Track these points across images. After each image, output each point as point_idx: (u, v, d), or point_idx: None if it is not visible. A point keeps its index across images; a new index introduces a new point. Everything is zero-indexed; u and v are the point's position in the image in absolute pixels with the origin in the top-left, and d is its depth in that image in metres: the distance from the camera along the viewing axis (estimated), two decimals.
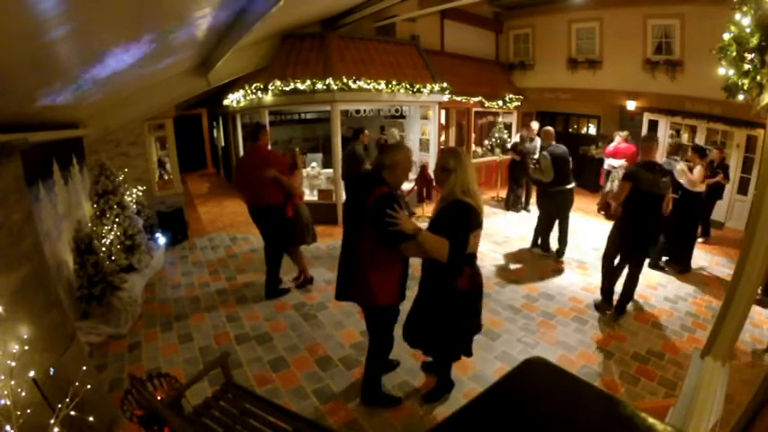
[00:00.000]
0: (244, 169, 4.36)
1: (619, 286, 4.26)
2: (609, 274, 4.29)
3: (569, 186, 5.47)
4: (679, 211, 4.94)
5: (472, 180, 2.42)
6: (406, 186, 7.57)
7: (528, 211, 8.13)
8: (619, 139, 7.80)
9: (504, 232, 6.96)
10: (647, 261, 4.54)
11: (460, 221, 2.34)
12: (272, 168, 4.13)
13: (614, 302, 4.23)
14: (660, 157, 5.90)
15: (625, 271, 4.21)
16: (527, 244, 6.22)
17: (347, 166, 6.31)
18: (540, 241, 6.01)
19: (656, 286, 4.91)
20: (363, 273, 2.48)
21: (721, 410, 1.87)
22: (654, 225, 4.02)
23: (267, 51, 7.40)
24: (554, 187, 5.43)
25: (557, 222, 5.76)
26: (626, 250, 4.15)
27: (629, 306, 4.33)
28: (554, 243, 5.88)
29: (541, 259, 5.75)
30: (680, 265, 5.37)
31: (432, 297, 2.64)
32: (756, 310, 4.16)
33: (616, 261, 4.26)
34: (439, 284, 2.56)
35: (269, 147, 4.65)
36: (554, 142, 5.59)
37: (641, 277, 5.10)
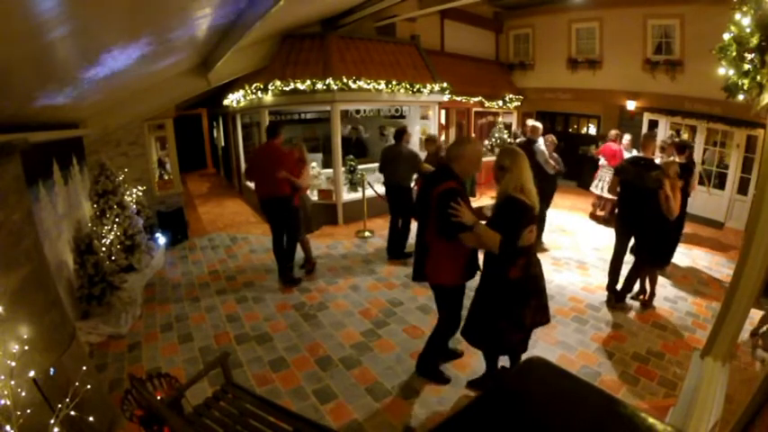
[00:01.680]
0: (258, 164, 4.72)
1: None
2: (610, 269, 4.40)
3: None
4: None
5: (527, 179, 2.53)
6: None
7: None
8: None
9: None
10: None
11: (511, 217, 2.48)
12: (283, 169, 4.51)
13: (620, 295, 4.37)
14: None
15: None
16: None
17: (400, 169, 5.50)
18: None
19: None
20: (432, 257, 2.77)
21: (721, 410, 1.87)
22: (642, 217, 4.03)
23: (267, 51, 7.40)
24: None
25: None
26: (625, 244, 4.29)
27: (629, 307, 4.33)
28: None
29: (540, 257, 5.72)
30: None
31: (486, 286, 2.75)
32: (757, 311, 4.16)
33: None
34: (493, 273, 2.69)
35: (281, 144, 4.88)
36: (541, 138, 5.79)
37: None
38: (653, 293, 4.41)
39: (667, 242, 4.34)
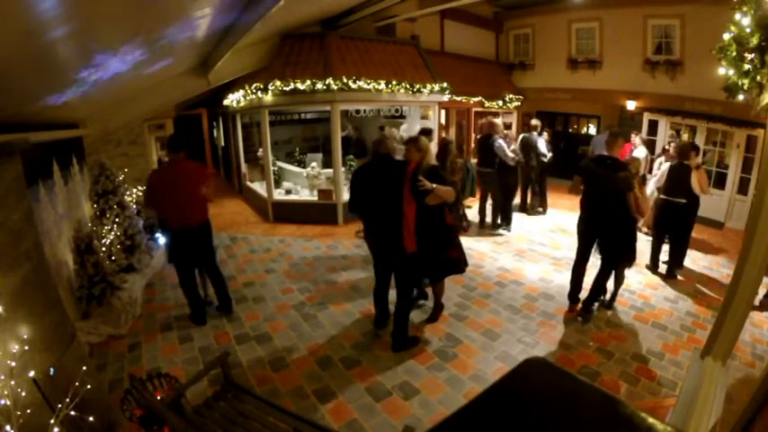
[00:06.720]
0: (168, 188, 3.77)
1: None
2: (573, 277, 4.20)
3: (489, 170, 6.67)
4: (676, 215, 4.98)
5: (433, 156, 3.90)
6: None
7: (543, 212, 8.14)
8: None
9: (504, 233, 6.95)
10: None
11: (443, 176, 3.53)
12: (203, 186, 3.92)
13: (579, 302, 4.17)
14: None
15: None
16: (528, 244, 6.21)
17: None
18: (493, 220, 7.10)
19: (656, 286, 4.91)
20: (406, 230, 3.32)
21: (721, 410, 1.87)
22: (610, 219, 3.80)
23: (267, 51, 7.40)
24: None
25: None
26: (589, 249, 4.10)
27: (629, 307, 4.33)
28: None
29: (540, 257, 5.74)
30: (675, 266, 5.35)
31: (431, 236, 3.62)
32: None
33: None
34: (434, 224, 3.64)
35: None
36: (503, 133, 6.75)
37: (641, 278, 5.12)
38: (616, 294, 4.32)
39: (634, 237, 4.13)
